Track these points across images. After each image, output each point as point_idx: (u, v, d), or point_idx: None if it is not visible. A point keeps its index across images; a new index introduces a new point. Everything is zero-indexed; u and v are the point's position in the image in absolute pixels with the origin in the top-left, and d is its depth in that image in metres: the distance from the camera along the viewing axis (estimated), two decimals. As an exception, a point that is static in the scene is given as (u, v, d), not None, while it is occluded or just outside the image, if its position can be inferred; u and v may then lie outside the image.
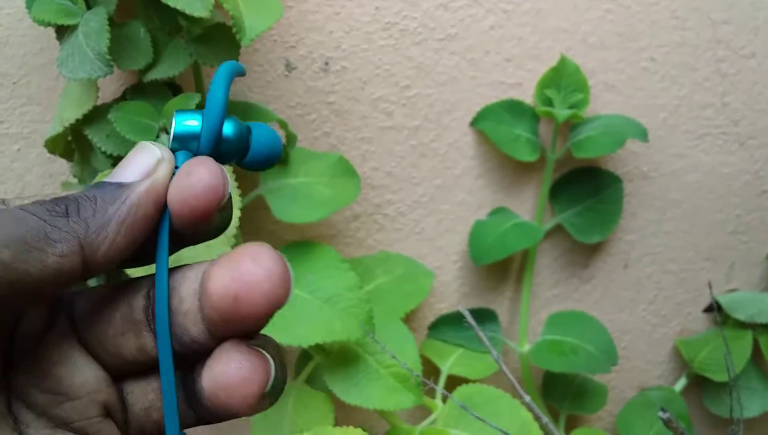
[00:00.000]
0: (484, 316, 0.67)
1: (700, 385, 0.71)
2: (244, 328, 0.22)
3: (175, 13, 0.47)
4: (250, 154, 0.24)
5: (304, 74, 0.60)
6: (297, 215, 0.55)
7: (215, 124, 0.23)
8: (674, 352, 0.73)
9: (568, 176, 0.67)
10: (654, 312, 0.73)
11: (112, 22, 0.48)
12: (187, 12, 0.46)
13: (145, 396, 0.24)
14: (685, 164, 0.69)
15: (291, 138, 0.56)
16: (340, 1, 0.59)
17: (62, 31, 0.50)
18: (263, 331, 0.24)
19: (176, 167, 0.23)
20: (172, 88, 0.53)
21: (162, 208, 0.22)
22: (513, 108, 0.64)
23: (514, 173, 0.66)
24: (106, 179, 0.22)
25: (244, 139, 0.24)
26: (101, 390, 0.23)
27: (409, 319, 0.65)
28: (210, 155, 0.23)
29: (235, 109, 0.55)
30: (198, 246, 0.49)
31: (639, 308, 0.72)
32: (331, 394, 0.56)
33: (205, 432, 0.65)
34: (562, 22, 0.63)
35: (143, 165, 0.22)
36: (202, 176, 0.21)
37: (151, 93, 0.51)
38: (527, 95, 0.64)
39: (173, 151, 0.23)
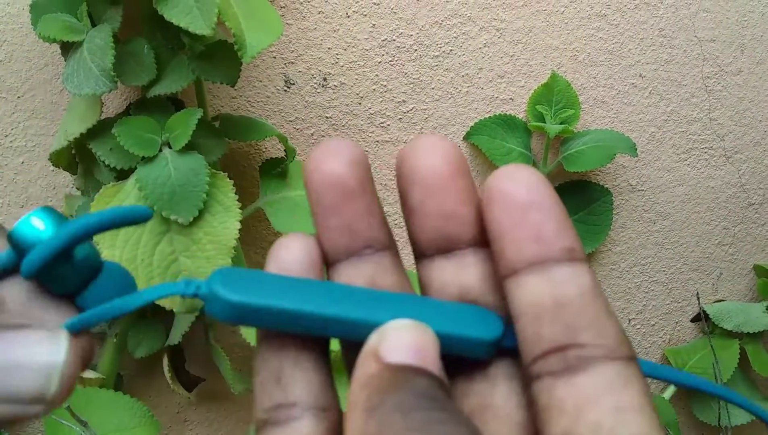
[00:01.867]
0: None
1: (688, 393, 0.73)
2: None
3: (179, 30, 0.48)
4: (90, 291, 0.19)
5: (302, 89, 0.62)
6: (296, 227, 0.56)
7: (70, 233, 0.18)
8: (663, 361, 0.75)
9: (559, 189, 0.68)
10: (643, 321, 0.74)
11: (116, 38, 0.49)
12: (191, 30, 0.47)
13: None
14: (673, 178, 0.70)
15: (290, 152, 0.57)
16: (338, 18, 0.61)
17: (67, 48, 0.51)
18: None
19: None
20: (175, 103, 0.54)
21: None
22: (506, 123, 0.65)
23: (506, 186, 0.68)
24: None
25: (89, 269, 0.19)
26: None
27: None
28: (39, 268, 0.18)
29: (235, 123, 0.57)
30: (198, 256, 0.51)
31: (629, 318, 0.74)
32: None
33: (203, 430, 0.66)
34: (553, 39, 0.65)
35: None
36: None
37: (154, 108, 0.52)
38: (519, 110, 0.66)
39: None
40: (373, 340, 0.18)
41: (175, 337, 0.58)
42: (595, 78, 0.66)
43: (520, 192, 0.18)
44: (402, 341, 0.17)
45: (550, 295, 0.17)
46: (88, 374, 0.57)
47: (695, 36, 0.67)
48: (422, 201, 0.19)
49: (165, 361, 0.60)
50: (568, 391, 0.17)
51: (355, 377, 0.17)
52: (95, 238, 0.50)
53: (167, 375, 0.60)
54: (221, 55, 0.52)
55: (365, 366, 0.17)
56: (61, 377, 0.17)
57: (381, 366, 0.17)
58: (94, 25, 0.50)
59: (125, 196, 0.50)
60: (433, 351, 0.18)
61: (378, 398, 0.16)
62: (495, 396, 0.19)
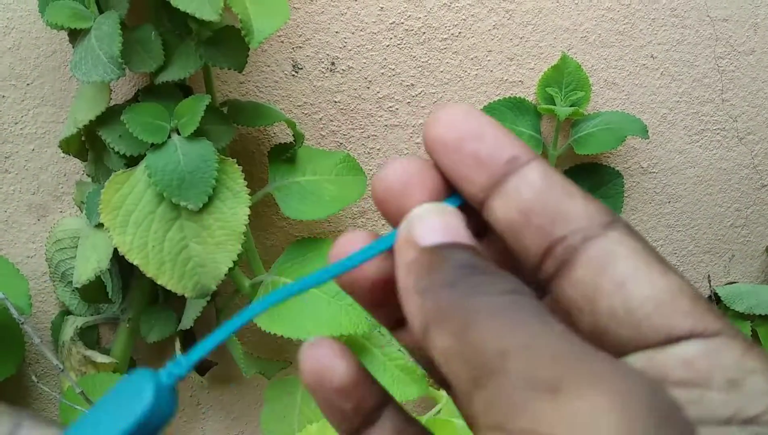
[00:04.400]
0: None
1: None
2: None
3: (186, 16, 0.48)
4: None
5: (310, 74, 0.61)
6: (305, 212, 0.56)
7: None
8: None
9: (570, 172, 0.68)
10: (654, 304, 0.74)
11: (123, 25, 0.49)
12: (198, 15, 0.47)
13: None
14: (685, 159, 0.70)
15: (298, 137, 0.57)
16: (345, 2, 0.60)
17: (75, 35, 0.51)
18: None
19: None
20: (183, 89, 0.54)
21: None
22: (515, 105, 0.65)
23: (516, 169, 0.68)
24: None
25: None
26: None
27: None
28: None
29: (243, 109, 0.57)
30: (208, 242, 0.51)
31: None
32: (338, 386, 0.57)
33: (217, 421, 0.67)
34: (563, 20, 0.64)
35: None
36: None
37: (162, 94, 0.52)
38: (529, 93, 0.65)
39: None
40: (403, 230, 0.19)
41: (187, 321, 0.59)
42: (605, 59, 0.66)
43: (447, 134, 0.19)
44: (431, 224, 0.18)
45: (514, 209, 0.18)
46: (102, 359, 0.58)
47: (707, 15, 0.66)
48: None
49: (177, 345, 0.61)
50: (573, 288, 0.18)
51: (398, 266, 0.18)
52: (106, 224, 0.50)
53: (179, 359, 0.60)
54: (229, 41, 0.52)
55: (404, 254, 0.18)
56: None
57: (418, 251, 0.18)
58: (101, 11, 0.50)
59: (135, 182, 0.50)
60: (461, 225, 0.19)
61: (425, 279, 0.17)
62: None
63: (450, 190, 0.20)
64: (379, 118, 0.63)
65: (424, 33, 0.62)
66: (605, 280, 0.17)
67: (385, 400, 0.21)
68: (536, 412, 0.14)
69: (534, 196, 0.18)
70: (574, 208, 0.18)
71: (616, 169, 0.68)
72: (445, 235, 0.18)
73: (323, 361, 0.20)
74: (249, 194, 0.52)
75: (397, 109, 0.64)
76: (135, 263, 0.50)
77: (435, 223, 0.19)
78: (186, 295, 0.51)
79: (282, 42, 0.60)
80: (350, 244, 0.20)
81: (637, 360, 0.17)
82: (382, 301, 0.21)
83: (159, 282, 0.50)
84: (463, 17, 0.62)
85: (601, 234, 0.17)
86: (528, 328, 0.15)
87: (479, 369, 0.15)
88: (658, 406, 0.14)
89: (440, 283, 0.17)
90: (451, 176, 0.19)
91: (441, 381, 0.21)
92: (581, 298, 0.17)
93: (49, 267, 0.59)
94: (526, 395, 0.15)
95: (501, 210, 0.18)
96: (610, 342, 0.17)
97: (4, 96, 0.57)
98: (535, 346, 0.15)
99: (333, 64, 0.62)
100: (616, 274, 0.17)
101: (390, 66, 0.62)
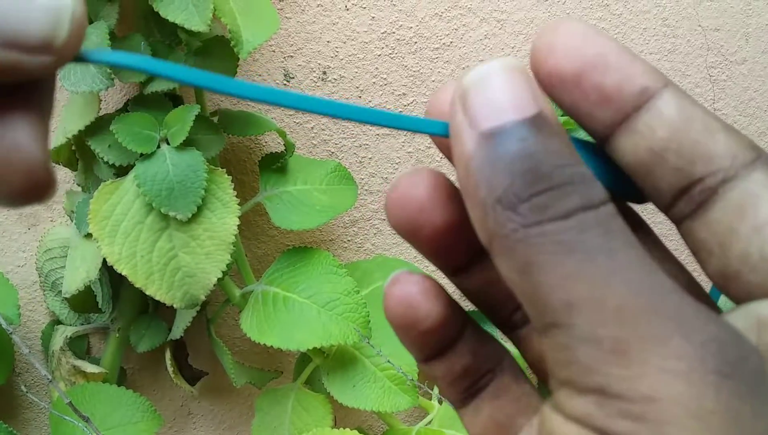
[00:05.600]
0: (481, 318, 0.68)
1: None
2: None
3: (175, 27, 0.48)
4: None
5: (302, 83, 0.61)
6: (295, 222, 0.56)
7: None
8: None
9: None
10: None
11: (113, 35, 0.49)
12: (187, 26, 0.47)
13: None
14: (677, 168, 0.70)
15: (289, 146, 0.57)
16: (337, 12, 0.60)
17: (65, 45, 0.51)
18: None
19: None
20: (173, 99, 0.54)
21: None
22: (507, 115, 0.65)
23: (508, 178, 0.67)
24: None
25: None
26: None
27: (406, 321, 0.66)
28: None
29: (234, 118, 0.56)
30: (197, 252, 0.51)
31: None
32: (329, 396, 0.57)
33: (208, 431, 0.67)
34: (554, 30, 0.64)
35: None
36: None
37: (152, 104, 0.52)
38: (521, 102, 0.65)
39: None
40: (457, 103, 0.16)
41: (177, 331, 0.59)
42: (597, 69, 0.66)
43: (565, 66, 0.16)
44: (493, 93, 0.16)
45: (646, 148, 0.16)
46: (91, 369, 0.57)
47: (699, 25, 0.66)
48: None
49: (167, 355, 0.61)
50: (707, 230, 0.16)
51: (455, 156, 0.16)
52: (95, 234, 0.50)
53: (170, 369, 0.60)
54: (218, 51, 0.52)
55: (458, 142, 0.16)
56: (72, 20, 0.14)
57: (475, 139, 0.15)
58: (90, 22, 0.50)
59: (124, 192, 0.50)
60: (528, 87, 0.16)
61: (483, 187, 0.15)
62: None
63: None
64: (370, 128, 0.63)
65: (416, 42, 0.62)
66: (743, 224, 0.16)
67: (465, 322, 0.20)
68: (604, 371, 0.14)
69: (669, 135, 0.16)
70: (715, 146, 0.16)
71: (609, 178, 0.68)
72: (511, 109, 0.15)
73: (411, 301, 0.18)
74: (239, 203, 0.52)
75: (388, 118, 0.64)
76: (123, 273, 0.50)
77: (498, 91, 0.16)
78: (175, 306, 0.51)
79: (273, 51, 0.60)
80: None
81: (766, 307, 0.16)
82: (445, 249, 0.18)
83: (148, 292, 0.50)
84: (455, 27, 0.63)
85: (743, 174, 0.16)
86: (595, 270, 0.14)
87: (546, 317, 0.15)
88: (727, 361, 0.14)
89: (499, 198, 0.15)
90: (569, 112, 0.17)
91: None
92: (713, 241, 0.16)
93: (40, 276, 0.59)
94: (593, 354, 0.14)
95: (630, 149, 0.16)
96: (737, 287, 0.16)
97: (-6, 105, 0.57)
98: (600, 297, 0.14)
99: (324, 73, 0.62)
100: (757, 218, 0.16)
101: (382, 75, 0.62)
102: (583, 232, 0.14)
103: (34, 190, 0.15)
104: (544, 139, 0.15)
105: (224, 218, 0.51)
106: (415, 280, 0.18)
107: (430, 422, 0.60)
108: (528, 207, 0.15)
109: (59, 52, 0.14)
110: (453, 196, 0.18)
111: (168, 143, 0.50)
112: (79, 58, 0.16)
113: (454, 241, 0.18)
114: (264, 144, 0.62)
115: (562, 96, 0.16)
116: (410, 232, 0.18)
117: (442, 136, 0.17)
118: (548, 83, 0.16)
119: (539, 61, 0.16)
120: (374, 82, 0.62)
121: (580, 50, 0.16)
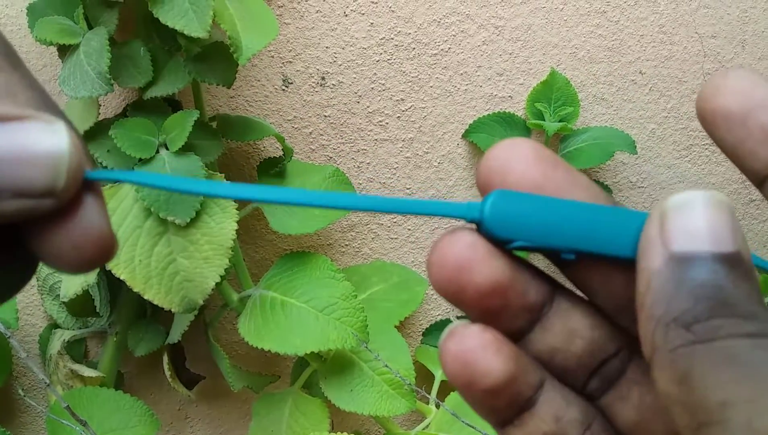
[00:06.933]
0: (477, 323, 0.68)
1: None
2: None
3: (174, 32, 0.48)
4: None
5: (300, 89, 0.62)
6: (293, 227, 0.56)
7: None
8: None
9: (559, 186, 0.68)
10: (644, 318, 0.74)
11: (112, 41, 0.49)
12: (186, 32, 0.47)
13: None
14: (674, 174, 0.70)
15: (288, 151, 0.57)
16: (336, 17, 0.61)
17: (64, 50, 0.51)
18: None
19: None
20: (173, 104, 0.54)
21: None
22: (505, 120, 0.65)
23: (506, 184, 0.68)
24: None
25: None
26: None
27: (404, 325, 0.67)
28: None
29: (232, 123, 0.57)
30: (195, 257, 0.51)
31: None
32: (326, 400, 0.57)
33: (204, 426, 0.67)
34: (552, 37, 0.65)
35: None
36: None
37: (151, 109, 0.52)
38: (519, 108, 0.66)
39: None
40: (655, 220, 0.16)
41: (174, 335, 0.59)
42: (594, 75, 0.66)
43: (732, 105, 0.17)
44: (693, 221, 0.16)
45: None
46: (89, 373, 0.58)
47: (696, 32, 0.67)
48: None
49: (165, 359, 0.61)
50: None
51: (639, 267, 0.16)
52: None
53: (167, 373, 0.60)
54: (217, 57, 0.52)
55: (648, 256, 0.16)
56: (69, 167, 0.16)
57: (666, 257, 0.15)
58: (90, 27, 0.50)
59: (123, 197, 0.51)
60: (728, 223, 0.16)
61: (661, 305, 0.15)
62: None
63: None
64: (368, 133, 0.64)
65: (414, 48, 0.63)
66: None
67: (542, 378, 0.18)
68: None
69: None
70: None
71: (605, 183, 0.68)
72: (708, 239, 0.15)
73: (468, 357, 0.17)
74: (238, 208, 0.52)
75: (387, 123, 0.64)
76: (122, 278, 0.50)
77: (699, 220, 0.16)
78: (173, 310, 0.51)
79: (272, 57, 0.61)
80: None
81: None
82: (496, 312, 0.18)
83: (146, 296, 0.50)
84: (453, 33, 0.63)
85: None
86: (758, 377, 0.14)
87: (699, 416, 0.14)
88: None
89: (675, 317, 0.15)
90: (731, 151, 0.17)
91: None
92: None
93: (38, 280, 0.59)
94: None
95: None
96: None
97: (-7, 109, 0.57)
98: (758, 399, 0.14)
99: (323, 78, 0.62)
100: None
101: (380, 81, 0.63)
102: (756, 350, 0.14)
103: (104, 255, 0.17)
104: (736, 279, 0.15)
105: (222, 223, 0.51)
106: (472, 333, 0.17)
107: (427, 426, 0.60)
108: (703, 327, 0.15)
109: (60, 195, 0.17)
110: (494, 255, 0.18)
111: (167, 148, 0.51)
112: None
113: (502, 302, 0.18)
114: (262, 149, 0.62)
115: (725, 134, 0.17)
116: (454, 295, 0.17)
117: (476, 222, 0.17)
118: (712, 121, 0.17)
119: (706, 100, 0.17)
120: (372, 88, 0.63)
121: (748, 91, 0.16)
